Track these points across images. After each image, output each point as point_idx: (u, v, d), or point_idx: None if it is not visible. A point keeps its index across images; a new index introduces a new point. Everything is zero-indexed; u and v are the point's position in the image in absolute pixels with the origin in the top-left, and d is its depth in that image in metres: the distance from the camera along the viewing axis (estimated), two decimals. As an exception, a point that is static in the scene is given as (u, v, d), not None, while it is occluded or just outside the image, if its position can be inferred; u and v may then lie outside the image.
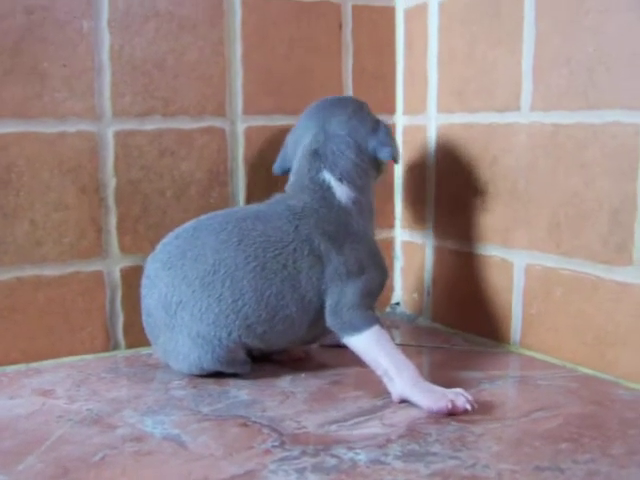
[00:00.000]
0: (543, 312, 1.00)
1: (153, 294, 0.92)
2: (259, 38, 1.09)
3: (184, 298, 0.90)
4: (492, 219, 1.07)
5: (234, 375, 0.94)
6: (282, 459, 0.72)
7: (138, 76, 1.01)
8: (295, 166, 0.97)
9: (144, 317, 0.95)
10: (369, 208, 0.97)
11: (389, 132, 0.97)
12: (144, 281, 0.94)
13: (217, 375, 0.94)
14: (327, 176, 0.94)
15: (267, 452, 0.73)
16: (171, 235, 0.94)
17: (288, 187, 0.97)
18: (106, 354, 1.04)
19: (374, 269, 0.92)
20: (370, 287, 0.91)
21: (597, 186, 0.92)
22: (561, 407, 0.84)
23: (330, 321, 0.90)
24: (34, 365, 0.99)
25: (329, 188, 0.93)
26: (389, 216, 1.24)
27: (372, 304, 0.91)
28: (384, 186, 1.22)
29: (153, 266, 0.93)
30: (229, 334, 0.90)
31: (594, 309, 0.94)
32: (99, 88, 0.99)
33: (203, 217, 0.95)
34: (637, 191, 0.88)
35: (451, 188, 1.13)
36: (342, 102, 0.99)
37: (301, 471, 0.69)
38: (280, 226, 0.91)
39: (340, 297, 0.90)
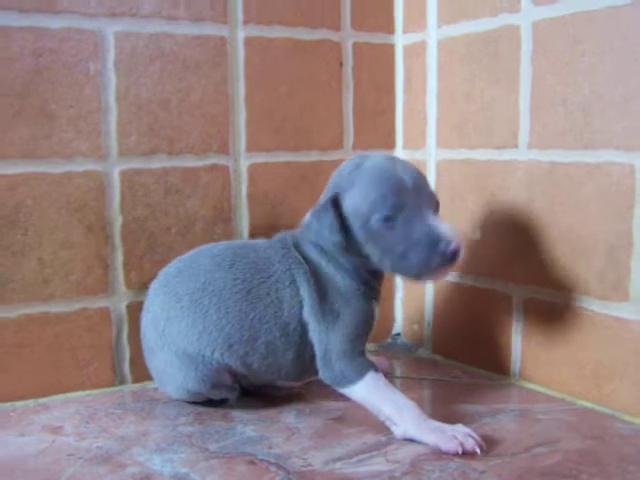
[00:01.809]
0: (542, 345, 1.02)
1: (148, 314, 0.98)
2: (261, 77, 1.11)
3: (172, 314, 0.94)
4: (491, 253, 1.09)
5: (229, 405, 0.98)
6: (289, 498, 0.74)
7: (143, 116, 1.03)
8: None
9: (142, 339, 0.99)
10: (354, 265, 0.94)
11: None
12: (144, 304, 0.99)
13: (222, 410, 0.96)
14: None
15: (275, 491, 0.75)
16: (174, 260, 0.99)
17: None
18: (113, 389, 1.05)
19: (348, 311, 0.93)
20: (353, 330, 0.92)
21: (593, 223, 0.94)
22: (560, 442, 0.85)
23: (322, 374, 0.93)
24: (42, 400, 1.01)
25: None
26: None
27: (361, 347, 0.93)
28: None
29: (153, 287, 0.99)
30: (212, 352, 0.93)
31: (592, 343, 0.96)
32: (105, 128, 1.01)
33: (208, 245, 0.99)
34: (633, 229, 0.90)
35: (451, 221, 1.14)
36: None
37: (308, 511, 0.71)
38: (269, 256, 0.96)
39: (327, 345, 0.92)
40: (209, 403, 0.98)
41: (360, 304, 0.93)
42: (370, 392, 0.89)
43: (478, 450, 0.82)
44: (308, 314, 0.93)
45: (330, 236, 0.90)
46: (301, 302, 0.93)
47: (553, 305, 1.00)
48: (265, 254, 0.96)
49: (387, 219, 0.86)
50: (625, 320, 0.92)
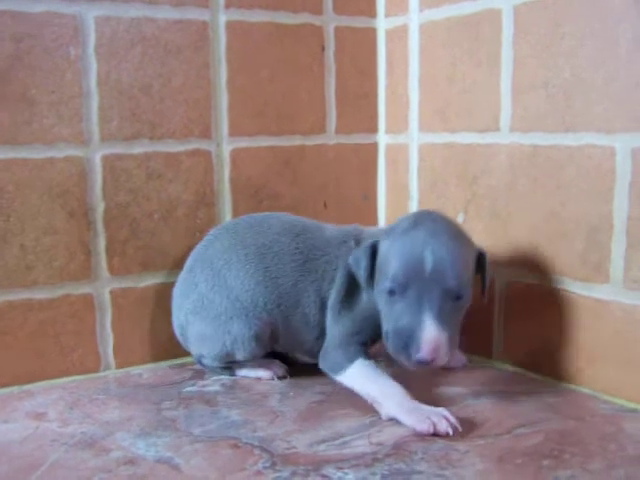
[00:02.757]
0: (523, 327, 1.03)
1: (207, 250, 1.03)
2: (243, 61, 1.11)
3: (235, 259, 1.00)
4: (473, 237, 1.09)
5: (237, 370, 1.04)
6: (273, 480, 0.74)
7: (125, 101, 1.03)
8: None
9: (183, 274, 1.04)
10: None
11: None
12: (199, 244, 1.05)
13: (206, 395, 0.97)
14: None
15: (259, 473, 0.75)
16: (244, 216, 1.07)
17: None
18: (97, 375, 1.05)
19: (358, 310, 0.97)
20: (356, 328, 0.96)
21: (574, 206, 0.95)
22: (542, 423, 0.86)
23: (320, 362, 0.98)
24: (26, 387, 1.01)
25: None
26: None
27: (360, 340, 0.96)
28: (367, 204, 1.25)
29: (216, 231, 1.05)
30: (264, 304, 0.99)
31: (573, 325, 0.97)
32: (87, 113, 1.01)
33: (279, 213, 1.08)
34: (613, 211, 0.91)
35: (433, 206, 1.15)
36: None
37: (292, 492, 0.72)
38: (329, 240, 1.02)
39: (329, 340, 0.98)
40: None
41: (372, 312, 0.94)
42: (358, 377, 0.93)
43: (450, 431, 0.83)
44: (330, 304, 0.98)
45: (363, 279, 0.92)
46: (331, 291, 0.99)
47: (534, 287, 1.01)
48: (327, 236, 1.02)
49: (390, 292, 0.86)
50: (606, 302, 0.93)
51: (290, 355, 1.05)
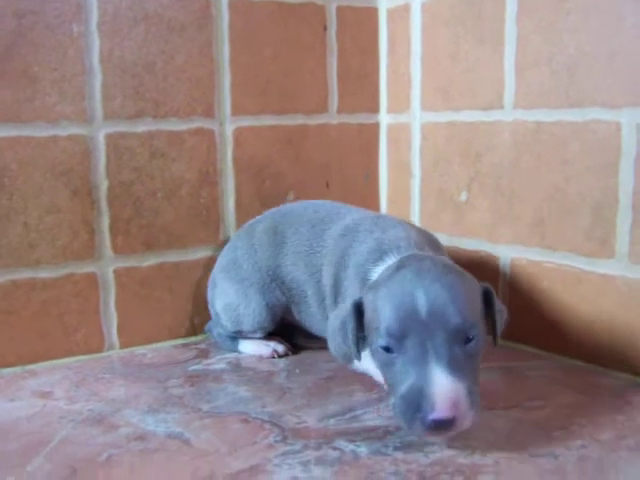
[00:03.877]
0: (528, 304, 1.03)
1: (254, 225, 1.07)
2: (246, 40, 1.10)
3: (266, 239, 1.03)
4: (477, 215, 1.09)
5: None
6: (285, 453, 0.74)
7: (128, 79, 1.02)
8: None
9: (231, 237, 1.11)
10: None
11: None
12: (255, 218, 1.09)
13: (213, 373, 0.97)
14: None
15: (270, 447, 0.75)
16: (300, 201, 1.10)
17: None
18: (101, 355, 1.05)
19: None
20: None
21: (579, 181, 0.95)
22: (550, 396, 0.87)
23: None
24: (30, 367, 1.00)
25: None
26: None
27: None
28: (369, 183, 1.25)
29: (271, 210, 1.09)
30: (280, 285, 1.02)
31: (578, 301, 0.97)
32: (90, 91, 1.00)
33: (328, 202, 1.06)
34: (619, 186, 0.91)
35: (436, 185, 1.16)
36: None
37: (305, 464, 0.71)
38: (332, 233, 0.97)
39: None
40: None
41: None
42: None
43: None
44: (327, 303, 0.96)
45: (352, 345, 0.79)
46: (326, 288, 0.96)
47: (539, 264, 1.01)
48: (333, 229, 0.97)
49: (386, 350, 0.73)
50: (611, 276, 0.93)
51: (295, 339, 1.07)
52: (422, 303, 0.72)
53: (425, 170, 1.18)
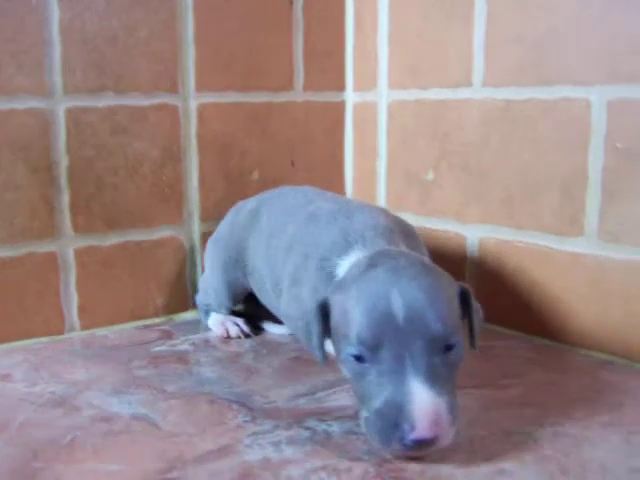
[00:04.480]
0: (497, 283, 1.03)
1: (255, 200, 1.04)
2: (211, 14, 1.07)
3: (257, 223, 0.98)
4: (445, 194, 1.08)
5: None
6: (255, 433, 0.72)
7: (89, 51, 0.98)
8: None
9: None
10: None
11: None
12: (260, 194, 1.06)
13: (177, 354, 0.95)
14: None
15: (239, 427, 0.74)
16: (303, 186, 1.04)
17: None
18: (61, 337, 1.02)
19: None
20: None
21: (549, 160, 0.95)
22: (522, 375, 0.87)
23: None
24: (-14, 349, 0.97)
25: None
26: (339, 191, 1.24)
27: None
28: (334, 161, 1.23)
29: (274, 190, 1.04)
30: (244, 266, 1.00)
31: (548, 279, 0.97)
32: (49, 63, 0.96)
33: (343, 199, 0.98)
34: (588, 164, 0.91)
35: (403, 164, 1.14)
36: None
37: (276, 444, 0.70)
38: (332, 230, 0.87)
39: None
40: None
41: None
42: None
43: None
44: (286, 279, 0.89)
45: (317, 351, 0.73)
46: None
47: (508, 243, 1.01)
48: (321, 215, 0.88)
49: (358, 359, 0.67)
50: (580, 254, 0.93)
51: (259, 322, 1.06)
52: (398, 307, 0.65)
53: (391, 149, 1.16)
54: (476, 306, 0.74)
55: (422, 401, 0.63)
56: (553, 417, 0.75)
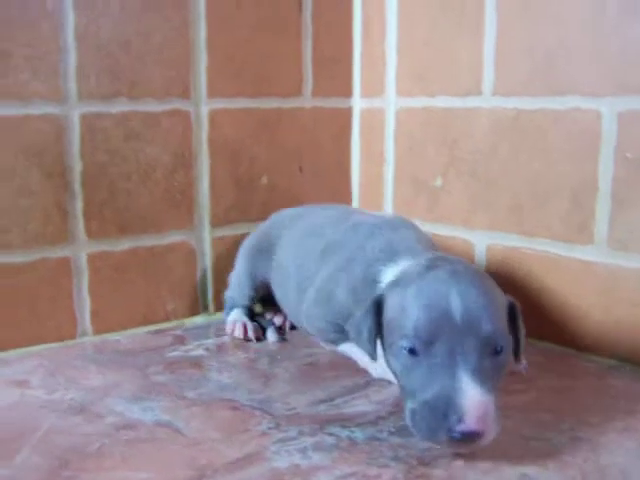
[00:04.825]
0: (505, 290, 1.04)
1: (291, 211, 1.10)
2: (222, 21, 1.08)
3: (287, 230, 1.05)
4: (453, 201, 1.10)
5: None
6: (281, 440, 0.73)
7: (103, 57, 0.99)
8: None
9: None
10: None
11: None
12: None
13: (191, 359, 0.95)
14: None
15: (264, 434, 0.74)
16: (320, 205, 1.11)
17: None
18: (74, 342, 1.02)
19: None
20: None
21: (558, 169, 0.97)
22: (533, 381, 0.88)
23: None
24: (1, 355, 0.96)
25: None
26: (346, 197, 1.26)
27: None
28: (341, 167, 1.24)
29: (308, 205, 1.12)
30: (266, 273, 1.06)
31: (557, 286, 0.99)
32: (64, 69, 0.96)
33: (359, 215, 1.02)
34: (598, 174, 0.93)
35: (410, 170, 1.16)
36: None
37: (303, 451, 0.71)
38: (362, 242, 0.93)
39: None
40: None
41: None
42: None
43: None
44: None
45: (367, 345, 0.77)
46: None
47: (516, 250, 1.03)
48: (366, 225, 0.93)
49: (411, 352, 0.70)
50: (589, 262, 0.95)
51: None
52: (456, 307, 0.69)
53: (399, 155, 1.17)
54: (522, 322, 0.76)
55: (472, 396, 0.65)
56: (569, 423, 0.76)
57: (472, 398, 0.65)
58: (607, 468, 0.68)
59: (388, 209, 1.19)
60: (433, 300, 0.70)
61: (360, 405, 0.81)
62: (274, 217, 1.10)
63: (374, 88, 1.21)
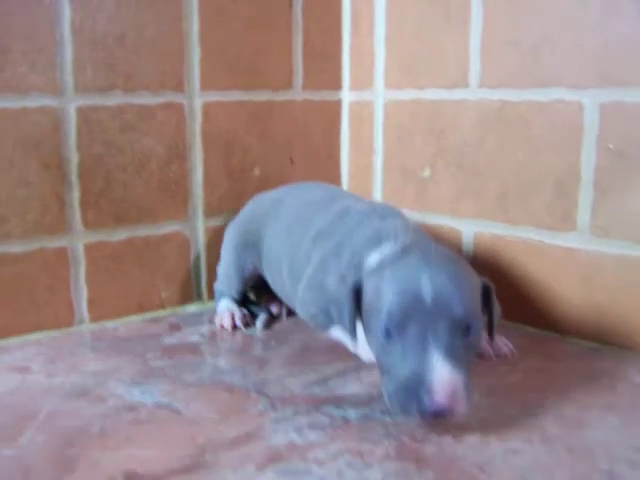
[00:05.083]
0: (492, 276, 1.07)
1: (285, 190, 1.11)
2: (215, 15, 1.10)
3: (276, 211, 1.06)
4: (441, 190, 1.13)
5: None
6: (277, 420, 0.76)
7: (99, 50, 1.01)
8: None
9: None
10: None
11: None
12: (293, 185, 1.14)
13: (188, 345, 0.98)
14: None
15: (261, 414, 0.77)
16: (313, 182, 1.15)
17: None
18: (71, 329, 1.04)
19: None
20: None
21: (543, 159, 1.00)
22: (518, 363, 0.91)
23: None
24: (0, 342, 0.99)
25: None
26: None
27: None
28: (331, 158, 1.27)
29: (297, 184, 1.14)
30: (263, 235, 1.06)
31: (541, 272, 1.02)
32: (61, 62, 0.98)
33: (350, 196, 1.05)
34: (581, 163, 0.96)
35: (399, 161, 1.18)
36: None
37: (299, 429, 0.74)
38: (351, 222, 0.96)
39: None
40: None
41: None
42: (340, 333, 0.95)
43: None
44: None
45: (348, 329, 0.81)
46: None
47: (503, 238, 1.06)
48: (356, 213, 0.94)
49: (386, 334, 0.74)
50: (572, 249, 0.98)
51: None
52: (427, 290, 0.73)
53: (387, 146, 1.20)
54: (496, 302, 0.81)
55: (442, 373, 0.69)
56: (553, 401, 0.80)
57: (442, 375, 0.69)
58: (591, 441, 0.71)
59: (377, 198, 1.22)
60: (405, 285, 0.74)
61: (352, 387, 0.84)
62: (253, 205, 1.10)
63: (363, 81, 1.23)
